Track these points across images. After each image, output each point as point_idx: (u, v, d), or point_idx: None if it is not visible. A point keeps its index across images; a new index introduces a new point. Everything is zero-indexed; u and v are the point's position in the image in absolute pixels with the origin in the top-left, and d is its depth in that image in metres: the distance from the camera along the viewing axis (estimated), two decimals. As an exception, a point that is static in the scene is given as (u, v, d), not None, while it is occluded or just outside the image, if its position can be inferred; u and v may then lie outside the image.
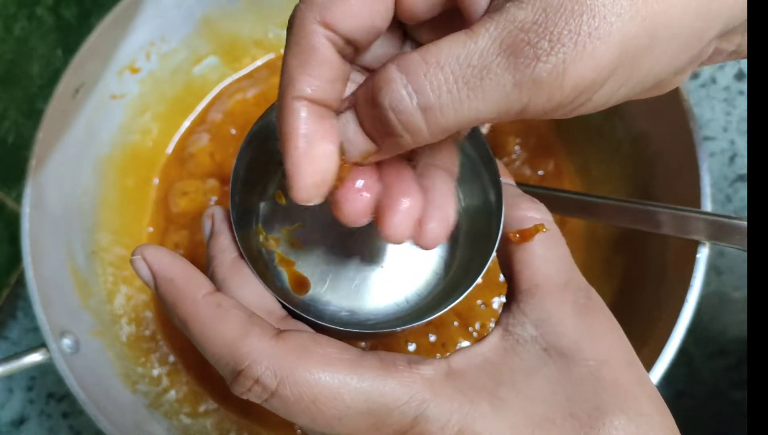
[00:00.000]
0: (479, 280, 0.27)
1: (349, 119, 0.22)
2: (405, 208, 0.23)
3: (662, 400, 0.23)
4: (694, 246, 0.36)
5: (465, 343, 0.44)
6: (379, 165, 0.24)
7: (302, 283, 0.29)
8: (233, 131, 0.50)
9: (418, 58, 0.20)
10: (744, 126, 0.55)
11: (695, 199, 0.38)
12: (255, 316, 0.23)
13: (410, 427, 0.22)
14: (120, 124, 0.48)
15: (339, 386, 0.21)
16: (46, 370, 0.52)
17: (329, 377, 0.21)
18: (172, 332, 0.46)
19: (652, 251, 0.41)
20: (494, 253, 0.27)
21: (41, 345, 0.37)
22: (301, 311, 0.26)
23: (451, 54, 0.20)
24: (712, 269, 0.52)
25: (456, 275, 0.30)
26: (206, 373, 0.45)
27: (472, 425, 0.22)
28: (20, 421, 0.51)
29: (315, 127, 0.22)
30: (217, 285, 0.25)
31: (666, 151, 0.41)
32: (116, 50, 0.45)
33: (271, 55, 0.52)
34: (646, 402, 0.23)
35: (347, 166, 0.23)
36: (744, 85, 0.56)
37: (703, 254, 0.36)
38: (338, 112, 0.23)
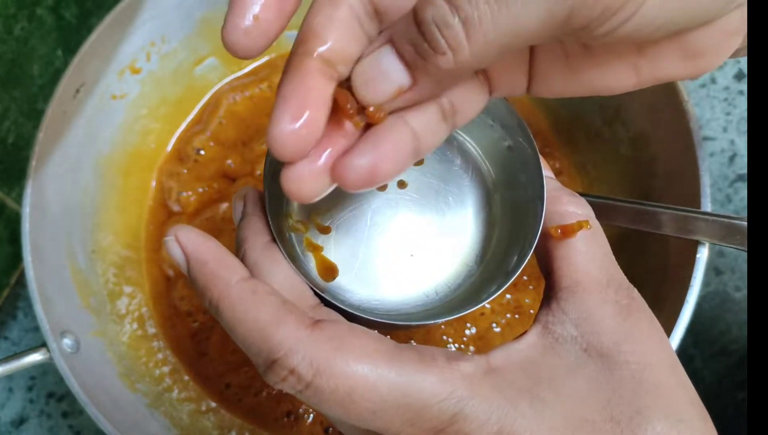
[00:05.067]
0: (516, 276, 0.26)
1: (386, 51, 0.20)
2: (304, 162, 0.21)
3: (703, 406, 0.23)
4: (694, 246, 0.36)
5: (454, 347, 0.44)
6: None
7: (330, 270, 0.28)
8: (233, 131, 0.50)
9: None
10: (744, 126, 0.55)
11: (695, 199, 0.38)
12: (290, 303, 0.22)
13: (448, 424, 0.21)
14: (120, 125, 0.48)
15: (376, 379, 0.21)
16: (46, 370, 0.52)
17: (367, 370, 0.21)
18: (173, 332, 0.46)
19: (652, 251, 0.41)
20: (533, 249, 0.26)
21: (41, 345, 0.37)
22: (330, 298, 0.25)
23: None
24: (712, 269, 0.52)
25: (489, 268, 0.29)
26: (207, 373, 0.45)
27: (512, 425, 0.21)
28: (20, 421, 0.51)
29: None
30: (248, 268, 0.25)
31: (666, 151, 0.41)
32: (117, 50, 0.45)
33: (271, 55, 0.52)
34: (688, 407, 0.22)
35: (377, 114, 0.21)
36: (744, 85, 0.56)
37: (703, 254, 0.36)
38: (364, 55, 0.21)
